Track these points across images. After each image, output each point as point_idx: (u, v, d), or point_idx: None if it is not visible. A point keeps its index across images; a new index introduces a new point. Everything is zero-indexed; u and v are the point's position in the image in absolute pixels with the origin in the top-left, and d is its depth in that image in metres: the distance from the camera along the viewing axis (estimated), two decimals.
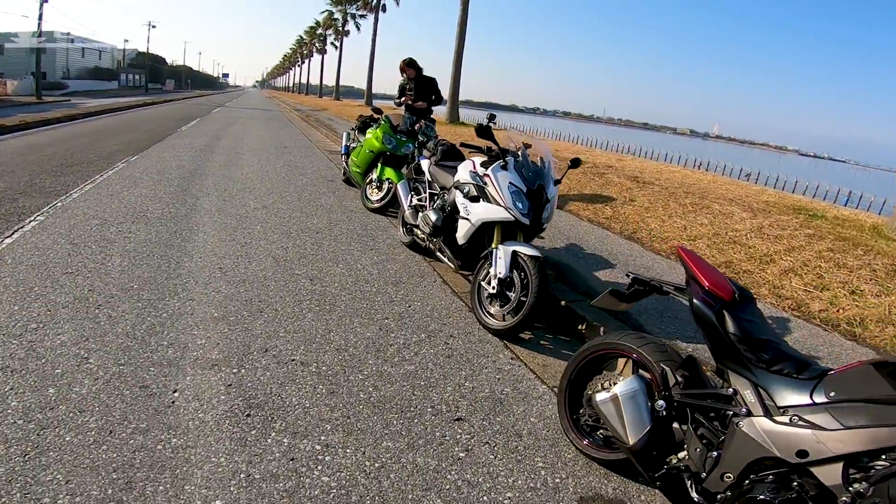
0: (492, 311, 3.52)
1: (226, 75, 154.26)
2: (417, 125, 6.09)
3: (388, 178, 6.02)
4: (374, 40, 37.50)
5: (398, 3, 38.59)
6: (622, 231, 5.77)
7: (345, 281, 4.00)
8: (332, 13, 50.45)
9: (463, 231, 3.73)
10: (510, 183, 3.46)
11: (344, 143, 7.52)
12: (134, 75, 63.63)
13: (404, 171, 5.82)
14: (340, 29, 49.03)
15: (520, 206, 3.42)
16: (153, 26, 59.15)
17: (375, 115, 6.85)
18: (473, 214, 3.62)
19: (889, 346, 3.58)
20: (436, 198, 4.46)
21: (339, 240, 4.96)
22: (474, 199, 3.65)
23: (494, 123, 3.65)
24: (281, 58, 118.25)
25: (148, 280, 3.68)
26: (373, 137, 6.15)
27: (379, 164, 6.10)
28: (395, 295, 3.85)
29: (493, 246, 3.54)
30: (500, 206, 3.45)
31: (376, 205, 6.07)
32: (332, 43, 56.01)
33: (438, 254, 4.25)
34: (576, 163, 3.76)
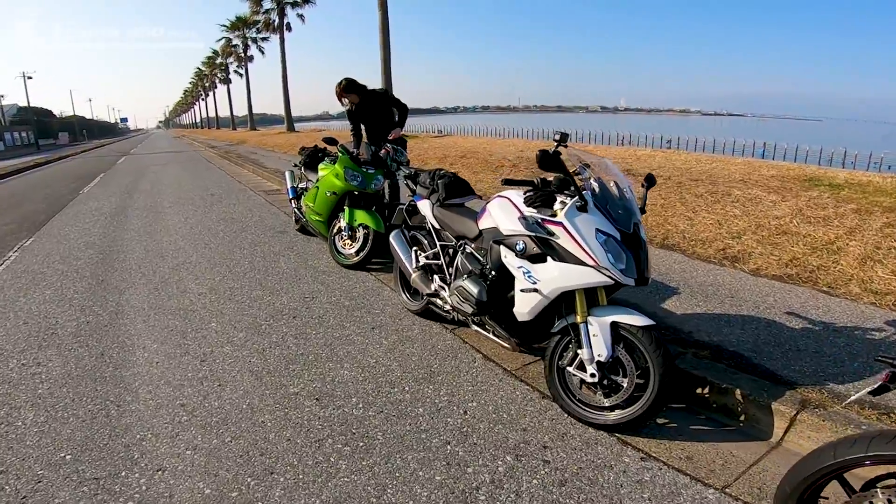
0: (590, 402, 2.69)
1: (124, 119, 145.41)
2: (383, 151, 5.02)
3: (361, 224, 4.95)
4: (283, 61, 35.60)
5: (303, 21, 36.78)
6: (650, 238, 4.94)
7: (363, 390, 2.99)
8: (229, 40, 47.87)
9: (528, 306, 2.76)
10: (598, 230, 2.53)
11: (289, 185, 6.36)
12: (20, 133, 58.20)
13: (394, 213, 4.72)
14: (242, 55, 46.62)
15: (618, 261, 2.51)
16: (29, 77, 53.95)
17: (327, 148, 5.70)
18: (544, 283, 2.66)
19: None
20: (450, 251, 3.42)
21: (327, 322, 3.88)
22: (537, 259, 2.70)
23: (565, 146, 2.62)
24: (182, 93, 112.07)
25: (82, 447, 2.55)
26: (331, 175, 5.07)
27: (346, 208, 5.04)
28: (437, 398, 2.91)
29: (579, 318, 2.63)
30: (586, 265, 2.52)
31: (354, 259, 4.98)
32: (235, 71, 53.31)
33: (481, 329, 3.30)
34: (651, 181, 2.82)
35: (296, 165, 6.47)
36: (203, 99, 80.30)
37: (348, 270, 4.95)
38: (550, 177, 2.72)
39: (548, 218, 2.63)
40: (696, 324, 3.34)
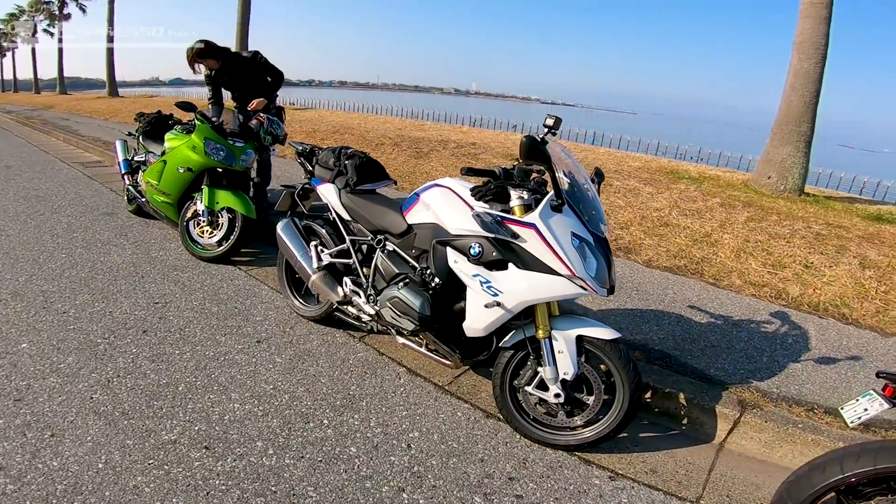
0: (547, 422, 2.41)
1: None
2: (255, 120, 4.14)
3: (226, 208, 4.03)
4: (110, 19, 29.73)
5: None
6: None
7: (268, 429, 2.34)
8: None
9: (484, 321, 2.33)
10: (573, 234, 2.19)
11: (121, 158, 5.00)
12: None
13: (260, 196, 3.87)
14: (57, 14, 38.17)
15: (592, 270, 2.20)
16: None
17: (175, 116, 4.54)
18: (508, 295, 2.24)
19: (882, 324, 3.53)
20: (363, 248, 2.84)
21: (192, 336, 3.04)
22: (495, 265, 2.27)
23: (555, 133, 2.16)
24: None
25: None
26: (184, 147, 4.07)
27: (205, 188, 4.06)
28: (368, 430, 2.38)
29: (541, 333, 2.30)
30: (558, 275, 2.16)
31: (216, 250, 4.06)
32: (45, 30, 43.49)
33: (409, 342, 2.78)
34: (600, 176, 2.55)
35: (130, 134, 5.13)
36: None
37: (208, 265, 4.01)
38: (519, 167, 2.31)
39: (513, 218, 2.23)
40: (617, 321, 3.27)
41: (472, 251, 2.28)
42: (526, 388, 2.36)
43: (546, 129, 2.18)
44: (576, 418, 2.34)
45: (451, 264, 2.36)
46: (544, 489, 2.11)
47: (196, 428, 2.22)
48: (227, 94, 4.75)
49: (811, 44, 6.52)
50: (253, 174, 4.53)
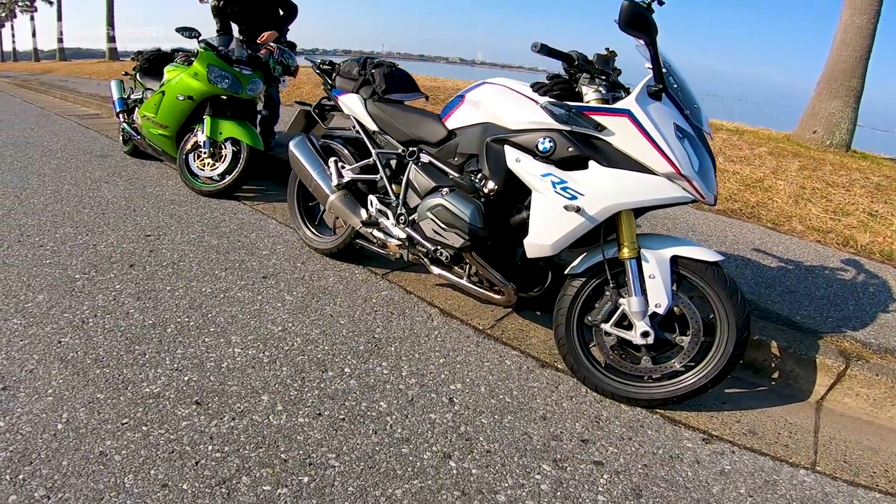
0: (630, 370, 1.85)
1: None
2: (264, 50, 3.51)
3: (230, 139, 3.42)
4: None
5: None
6: None
7: (277, 380, 1.78)
8: None
9: (557, 233, 1.74)
10: (676, 126, 1.63)
11: (116, 96, 4.33)
12: None
13: (268, 131, 3.26)
14: None
15: (698, 168, 1.65)
16: None
17: (174, 52, 3.87)
18: (592, 198, 1.67)
19: None
20: (392, 162, 2.27)
21: (187, 270, 2.48)
22: (571, 164, 1.71)
23: (662, 3, 1.58)
24: None
25: None
26: (186, 75, 3.45)
27: (207, 118, 3.44)
28: (400, 381, 1.83)
29: (627, 252, 1.74)
30: (655, 174, 1.62)
31: (218, 184, 3.45)
32: None
33: (448, 273, 2.19)
34: None
35: (126, 74, 4.48)
36: None
37: (209, 199, 3.41)
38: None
39: (597, 107, 1.64)
40: None
41: (540, 147, 1.70)
42: (603, 325, 1.79)
43: None
44: (666, 364, 1.78)
45: (512, 164, 1.77)
46: (628, 454, 1.57)
47: (185, 378, 1.67)
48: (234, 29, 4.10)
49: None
50: (260, 107, 3.90)
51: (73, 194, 3.35)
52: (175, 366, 1.73)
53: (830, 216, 3.55)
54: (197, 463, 1.35)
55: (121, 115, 4.29)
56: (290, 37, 4.13)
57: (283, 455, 1.40)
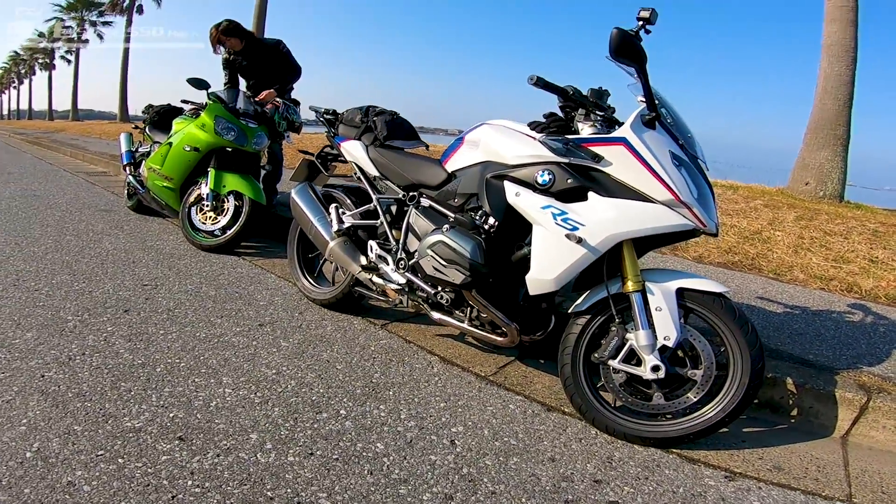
0: (641, 409, 1.77)
1: None
2: (270, 105, 3.64)
3: (233, 192, 3.45)
4: (126, 48, 30.00)
5: (159, 4, 31.55)
6: None
7: (267, 419, 1.70)
8: (62, 21, 39.09)
9: (559, 266, 1.71)
10: (671, 154, 1.65)
11: (124, 149, 4.46)
12: None
13: (271, 187, 3.31)
14: (76, 38, 38.46)
15: (698, 196, 1.66)
16: None
17: (185, 104, 4.00)
18: (593, 228, 1.66)
19: None
20: (393, 208, 2.28)
21: (182, 317, 2.43)
22: (570, 195, 1.71)
23: (649, 31, 1.64)
24: None
25: None
26: (194, 127, 3.55)
27: (211, 170, 3.50)
28: (398, 423, 1.74)
29: (631, 286, 1.71)
30: (654, 202, 1.61)
31: (219, 238, 3.45)
32: (62, 56, 43.91)
33: (448, 318, 2.13)
34: None
35: (136, 127, 4.64)
36: (15, 87, 64.47)
37: (209, 254, 3.40)
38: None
39: (594, 137, 1.67)
40: None
41: (539, 179, 1.70)
42: (611, 362, 1.71)
43: (640, 23, 1.63)
44: (680, 400, 1.69)
45: (512, 199, 1.76)
46: (645, 493, 1.44)
47: (171, 415, 1.57)
48: (242, 83, 4.27)
49: (840, 47, 6.10)
50: (263, 162, 3.99)
51: (74, 244, 3.35)
52: (161, 403, 1.63)
53: (831, 264, 3.52)
54: (173, 497, 1.24)
55: (127, 168, 4.38)
56: (295, 96, 4.27)
57: (269, 493, 1.28)
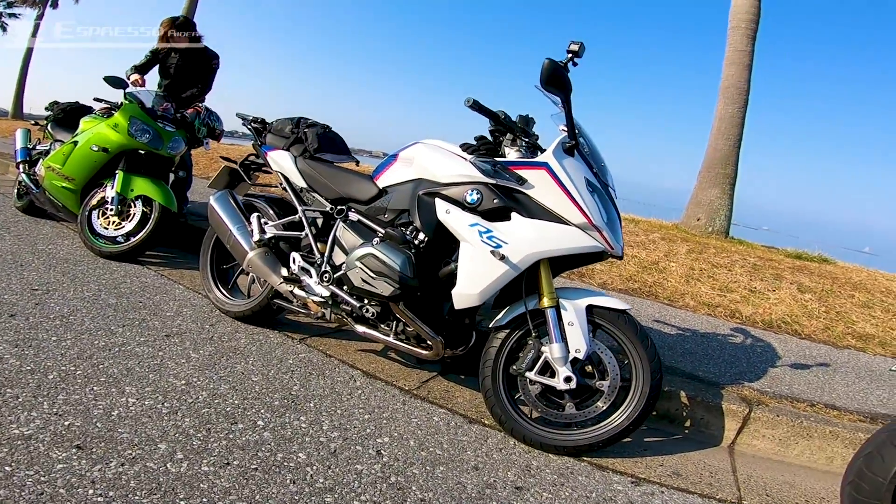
0: (555, 419, 1.86)
1: None
2: (191, 109, 3.47)
3: (141, 197, 3.22)
4: (34, 34, 26.80)
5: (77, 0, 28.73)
6: None
7: (178, 429, 1.59)
8: None
9: (483, 282, 1.79)
10: (587, 180, 1.80)
11: (20, 146, 3.99)
12: None
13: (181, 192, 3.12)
14: None
15: (608, 221, 1.82)
16: None
17: (107, 99, 3.69)
18: (515, 246, 1.76)
19: (833, 338, 3.45)
20: (318, 221, 2.25)
21: (79, 324, 2.21)
22: (495, 215, 1.81)
23: (576, 64, 1.75)
24: None
25: None
26: (104, 127, 3.28)
27: (119, 173, 3.24)
28: (322, 434, 1.71)
29: (546, 302, 1.82)
30: (569, 224, 1.75)
31: (122, 245, 3.17)
32: None
33: (373, 331, 2.11)
34: None
35: (35, 123, 4.19)
36: None
37: (109, 262, 3.11)
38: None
39: (519, 161, 1.79)
40: None
41: (468, 198, 1.79)
42: (528, 373, 1.79)
43: (569, 56, 1.78)
44: (590, 409, 1.80)
45: (442, 216, 1.83)
46: (562, 498, 1.52)
47: (66, 423, 1.42)
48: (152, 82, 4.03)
49: (736, 89, 6.60)
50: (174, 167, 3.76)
51: None
52: (54, 411, 1.47)
53: (717, 292, 3.93)
54: None
55: (21, 166, 3.93)
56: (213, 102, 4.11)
57: (182, 502, 1.19)
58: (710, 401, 2.17)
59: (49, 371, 1.70)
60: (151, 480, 1.26)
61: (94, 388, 1.64)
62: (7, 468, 1.20)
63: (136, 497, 1.19)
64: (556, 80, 1.63)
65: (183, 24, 3.78)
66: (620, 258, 1.88)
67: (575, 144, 1.78)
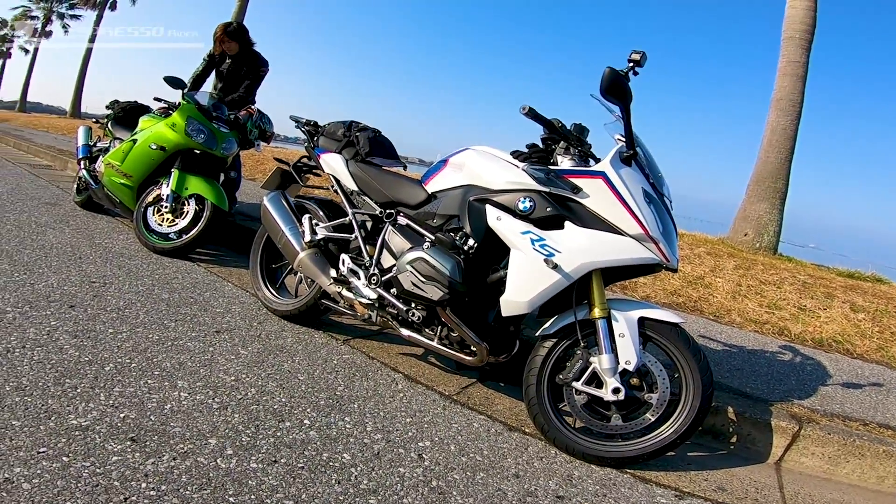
0: (601, 430, 1.80)
1: None
2: (244, 111, 3.56)
3: (194, 195, 3.32)
4: (92, 38, 28.06)
5: (134, 2, 30.16)
6: None
7: (227, 424, 1.59)
8: (28, 10, 36.78)
9: (533, 290, 1.75)
10: (643, 191, 1.74)
11: (82, 142, 4.18)
12: None
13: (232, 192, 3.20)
14: (39, 29, 36.22)
15: (664, 232, 1.75)
16: None
17: (166, 99, 3.84)
18: (567, 255, 1.71)
19: (887, 359, 3.24)
20: (368, 224, 2.26)
21: (133, 317, 2.27)
22: (548, 223, 1.77)
23: (637, 73, 1.74)
24: None
25: None
26: (163, 126, 3.40)
27: (175, 171, 3.34)
28: (365, 436, 1.69)
29: (598, 313, 1.77)
30: (624, 235, 1.70)
31: (175, 242, 3.28)
32: (21, 47, 41.33)
33: (417, 335, 2.10)
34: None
35: (97, 121, 4.37)
36: None
37: (162, 257, 3.21)
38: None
39: (574, 169, 1.75)
40: None
41: (520, 206, 1.75)
42: (574, 383, 1.74)
43: (631, 65, 1.73)
44: (637, 421, 1.74)
45: (492, 223, 1.80)
46: None
47: (121, 415, 1.45)
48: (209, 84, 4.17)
49: (788, 101, 6.32)
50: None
51: (14, 235, 3.08)
52: (111, 403, 1.51)
53: (765, 309, 3.76)
54: (125, 499, 1.14)
55: (81, 162, 4.11)
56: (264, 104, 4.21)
57: (231, 498, 1.20)
58: (759, 417, 2.07)
59: (106, 363, 1.75)
60: (202, 475, 1.27)
61: (149, 382, 1.68)
62: (65, 458, 1.23)
63: (187, 492, 1.20)
64: (616, 89, 1.59)
65: (235, 31, 3.89)
66: (675, 271, 1.81)
67: (633, 154, 1.73)
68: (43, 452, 1.24)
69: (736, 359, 2.77)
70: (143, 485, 1.19)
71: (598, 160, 1.89)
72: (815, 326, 3.54)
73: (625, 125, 1.70)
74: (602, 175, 1.70)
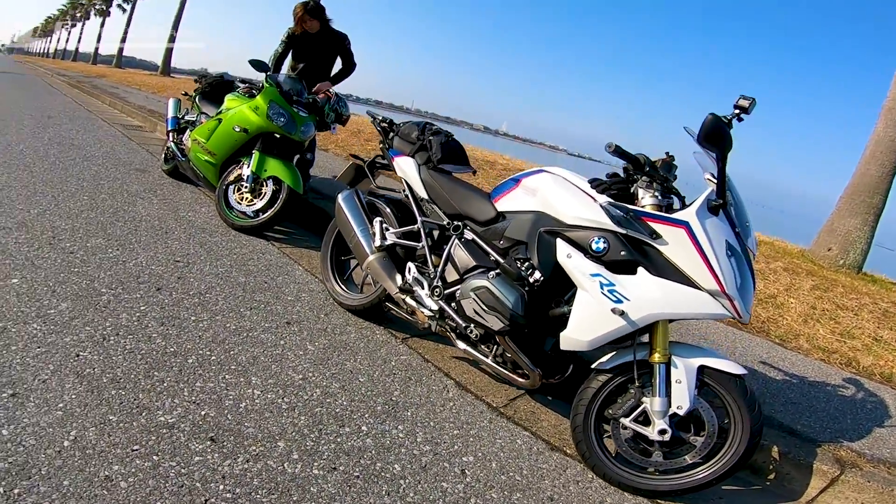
0: (639, 462, 1.84)
1: None
2: (322, 94, 3.68)
3: (273, 177, 3.48)
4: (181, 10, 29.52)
5: None
6: None
7: (294, 427, 1.73)
8: None
9: (595, 332, 1.75)
10: (727, 243, 1.68)
11: (171, 114, 4.47)
12: None
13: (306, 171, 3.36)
14: None
15: (740, 286, 1.70)
16: None
17: (250, 79, 4.03)
18: (637, 304, 1.69)
19: None
20: (435, 233, 2.32)
21: (213, 303, 2.47)
22: (620, 267, 1.74)
23: (741, 119, 1.69)
24: (44, 20, 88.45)
25: None
26: (246, 108, 3.57)
27: (255, 152, 3.52)
28: (415, 447, 1.78)
29: (658, 357, 1.75)
30: (700, 289, 1.66)
31: (252, 221, 3.48)
32: (119, 5, 44.17)
33: (473, 350, 2.17)
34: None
35: (186, 94, 4.64)
36: (68, 28, 64.58)
37: (239, 235, 3.43)
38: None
39: (656, 214, 1.71)
40: None
41: (593, 246, 1.73)
42: (623, 419, 1.77)
43: (736, 112, 1.66)
44: (677, 460, 1.76)
45: (562, 259, 1.80)
46: None
47: (202, 412, 1.62)
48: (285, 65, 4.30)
49: None
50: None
51: (109, 205, 3.39)
52: (193, 398, 1.68)
53: (837, 338, 3.57)
54: (206, 501, 1.29)
55: (170, 134, 4.40)
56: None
57: None
58: (802, 458, 2.04)
59: (189, 355, 1.93)
60: (271, 479, 1.42)
61: (226, 377, 1.85)
62: (155, 457, 1.40)
63: (258, 496, 1.35)
64: (716, 137, 1.54)
65: (314, 10, 3.96)
66: (746, 324, 1.78)
67: (722, 204, 1.67)
68: (136, 451, 1.41)
69: (794, 391, 2.68)
70: (221, 486, 1.35)
71: (681, 196, 1.84)
72: (888, 360, 3.33)
73: (718, 173, 1.63)
74: (685, 225, 1.65)
